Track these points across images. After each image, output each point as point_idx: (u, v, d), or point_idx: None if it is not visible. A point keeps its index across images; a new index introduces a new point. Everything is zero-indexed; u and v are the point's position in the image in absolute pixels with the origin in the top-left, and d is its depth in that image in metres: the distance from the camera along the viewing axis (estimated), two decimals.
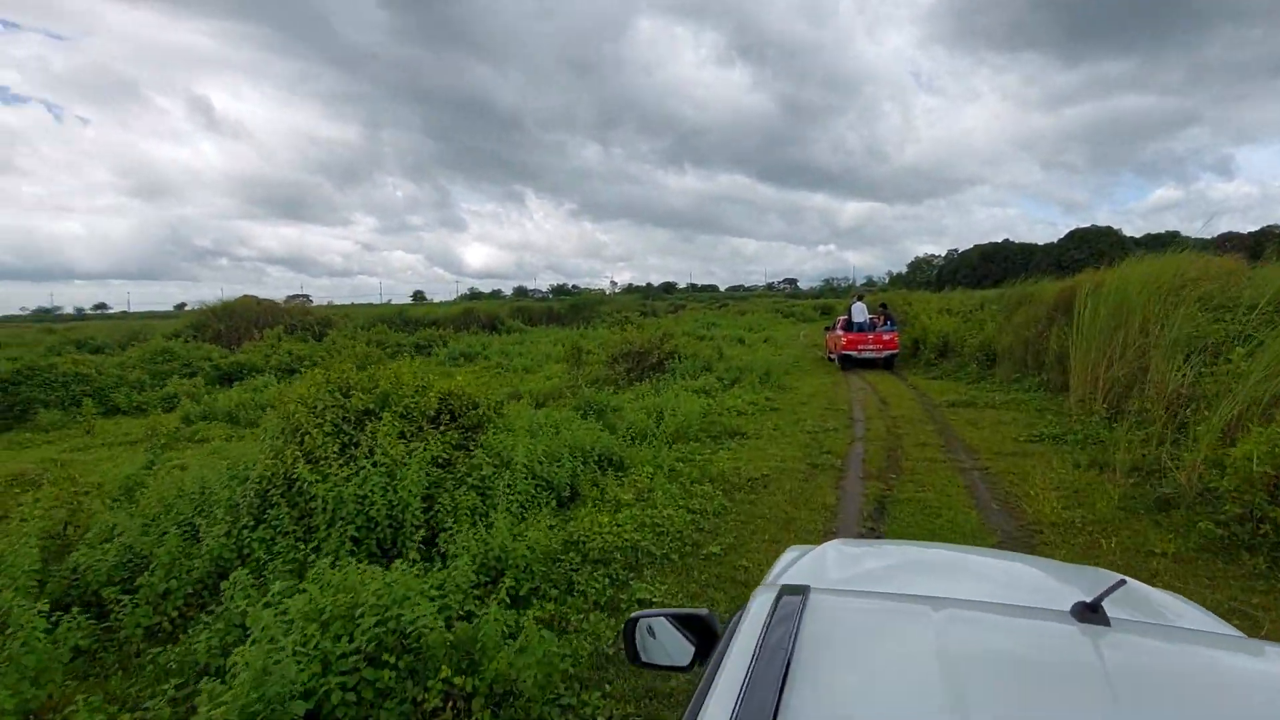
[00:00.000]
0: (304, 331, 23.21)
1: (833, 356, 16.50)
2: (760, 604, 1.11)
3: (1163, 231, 74.13)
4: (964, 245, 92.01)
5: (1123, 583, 1.15)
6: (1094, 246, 66.22)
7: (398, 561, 3.85)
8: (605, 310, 38.08)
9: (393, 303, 61.02)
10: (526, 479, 5.21)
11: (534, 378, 15.35)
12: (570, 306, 37.83)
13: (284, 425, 5.14)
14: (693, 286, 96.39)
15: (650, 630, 1.50)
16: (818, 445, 7.86)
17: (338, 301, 63.97)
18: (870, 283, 69.49)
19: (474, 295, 78.19)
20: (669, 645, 1.48)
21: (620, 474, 6.15)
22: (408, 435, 5.41)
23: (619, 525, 4.72)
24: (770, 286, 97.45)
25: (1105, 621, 1.03)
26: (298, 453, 4.70)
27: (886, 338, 15.39)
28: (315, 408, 5.24)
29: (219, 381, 16.33)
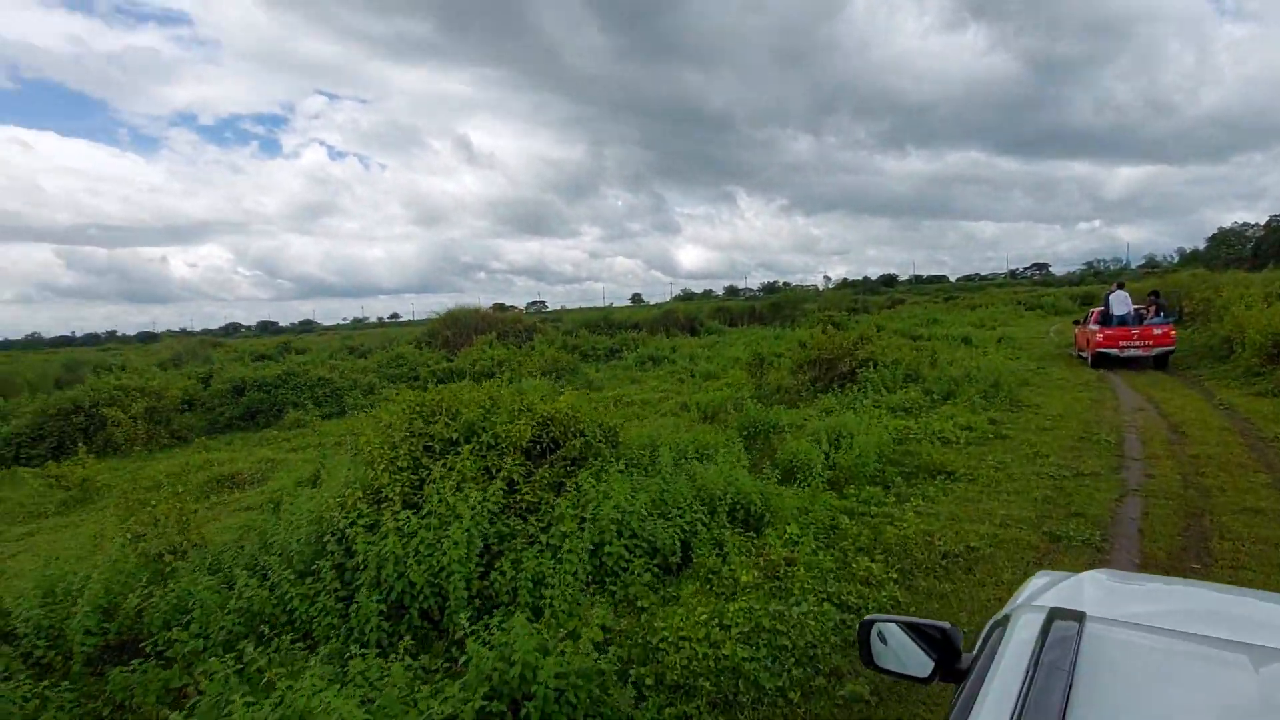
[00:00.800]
0: (514, 338, 24.80)
1: (1083, 354, 14.16)
2: (1026, 625, 1.07)
3: None
4: None
5: None
6: None
7: (403, 662, 2.96)
8: (810, 308, 35.54)
9: (613, 305, 64.86)
10: (619, 538, 4.07)
11: (713, 385, 14.21)
12: (771, 305, 35.90)
13: (361, 457, 4.64)
14: (916, 279, 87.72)
15: (882, 636, 1.45)
16: (1063, 500, 5.54)
17: (569, 306, 69.74)
18: (1152, 264, 55.78)
19: (686, 296, 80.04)
20: (903, 654, 1.41)
21: (756, 533, 4.70)
22: (493, 471, 4.61)
23: (723, 626, 3.35)
24: (1013, 274, 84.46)
25: None
26: (358, 493, 4.12)
27: (1158, 332, 12.75)
28: (394, 438, 4.68)
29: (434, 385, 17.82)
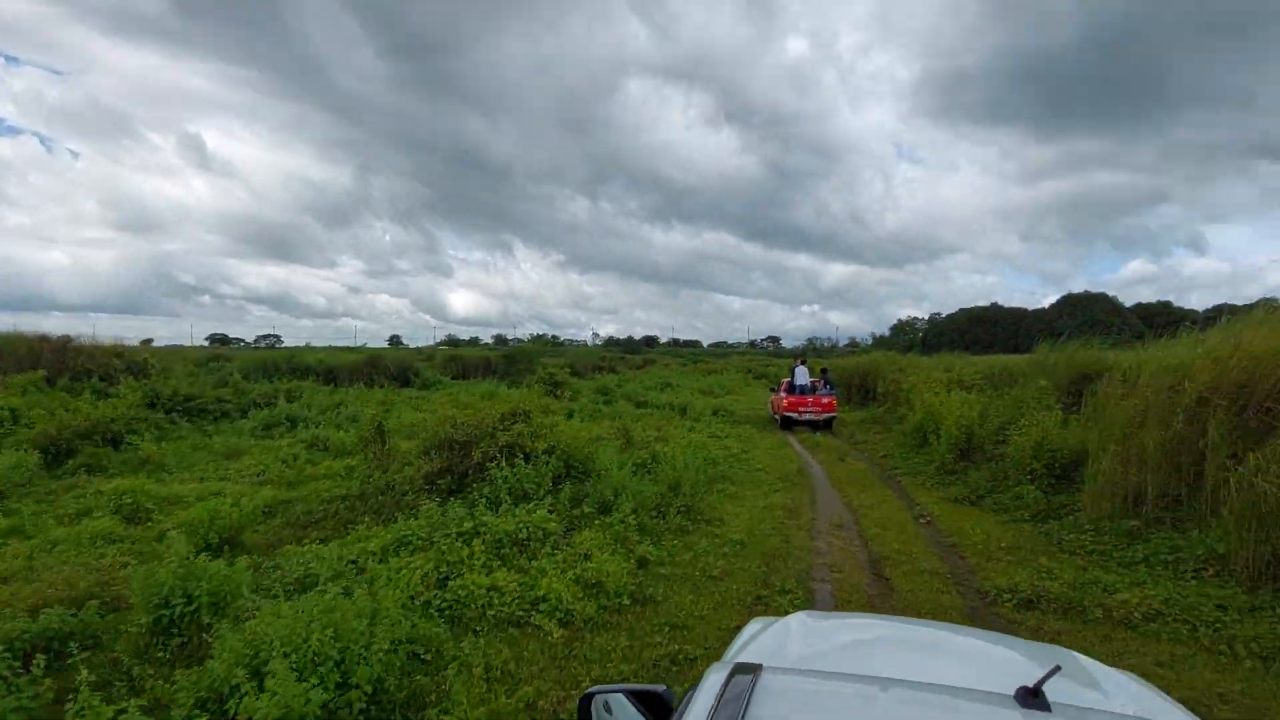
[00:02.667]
0: (101, 379, 17.26)
1: (776, 416, 16.57)
2: (712, 683, 1.13)
3: (1154, 301, 71.86)
4: (946, 309, 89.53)
5: (1059, 668, 1.11)
6: (1088, 313, 62.65)
7: None
8: (548, 364, 32.63)
9: (368, 346, 57.00)
10: None
11: (335, 468, 9.71)
12: (505, 358, 32.23)
13: None
14: (675, 342, 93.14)
15: (607, 706, 1.49)
16: None
17: (317, 343, 60.86)
18: (854, 344, 66.05)
19: (452, 341, 74.56)
20: None
21: None
22: None
23: None
24: (753, 344, 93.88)
25: (1046, 707, 1.03)
26: None
27: (825, 401, 15.69)
28: None
29: None
